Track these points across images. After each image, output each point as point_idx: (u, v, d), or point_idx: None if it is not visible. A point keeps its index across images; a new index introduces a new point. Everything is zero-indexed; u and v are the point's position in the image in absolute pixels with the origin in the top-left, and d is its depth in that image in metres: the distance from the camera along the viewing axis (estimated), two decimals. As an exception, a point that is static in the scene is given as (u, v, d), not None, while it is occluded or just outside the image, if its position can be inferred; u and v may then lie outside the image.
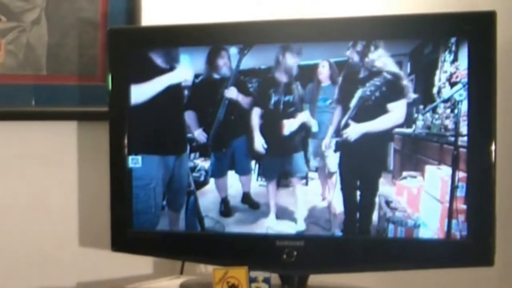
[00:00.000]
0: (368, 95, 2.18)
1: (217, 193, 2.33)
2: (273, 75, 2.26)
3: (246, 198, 2.31)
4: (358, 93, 2.19)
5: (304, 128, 2.25)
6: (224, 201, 2.33)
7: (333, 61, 2.21)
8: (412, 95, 2.14)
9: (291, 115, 2.25)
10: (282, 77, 2.25)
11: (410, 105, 2.16)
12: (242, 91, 2.29)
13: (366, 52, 2.18)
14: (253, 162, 2.30)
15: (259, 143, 2.29)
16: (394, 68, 2.16)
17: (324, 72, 2.21)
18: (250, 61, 2.27)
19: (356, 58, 2.19)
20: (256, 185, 2.30)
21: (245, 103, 2.30)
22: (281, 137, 2.27)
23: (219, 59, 2.29)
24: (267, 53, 2.25)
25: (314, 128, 2.23)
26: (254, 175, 2.31)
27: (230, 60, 2.28)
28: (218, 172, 2.33)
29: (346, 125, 2.20)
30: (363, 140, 2.19)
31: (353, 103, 2.19)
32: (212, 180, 2.34)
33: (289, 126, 2.26)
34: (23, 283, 2.54)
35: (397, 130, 2.17)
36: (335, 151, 2.22)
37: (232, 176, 2.33)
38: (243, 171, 2.32)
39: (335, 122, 2.21)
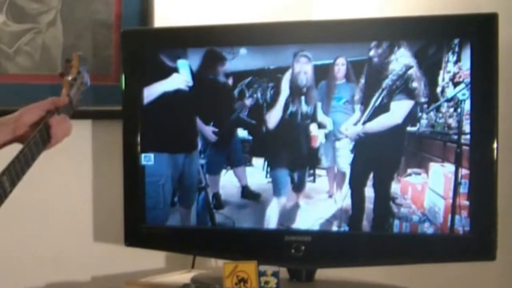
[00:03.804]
0: (380, 95, 2.21)
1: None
2: (289, 75, 2.29)
3: (246, 192, 2.35)
4: (374, 93, 2.22)
5: (317, 126, 2.28)
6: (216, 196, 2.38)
7: (345, 60, 2.24)
8: (422, 98, 2.18)
9: (306, 114, 2.29)
10: (297, 77, 2.29)
11: (414, 105, 2.19)
12: (253, 92, 2.34)
13: (373, 52, 2.22)
14: (261, 159, 2.35)
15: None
16: (405, 69, 2.20)
17: (339, 70, 2.24)
18: (261, 62, 2.31)
19: (363, 58, 2.23)
20: (265, 181, 2.34)
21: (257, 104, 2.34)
22: (292, 135, 2.31)
23: (227, 61, 2.33)
24: (279, 54, 2.29)
25: (329, 127, 2.27)
26: (263, 172, 2.34)
27: (239, 61, 2.32)
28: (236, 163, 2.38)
29: (360, 124, 2.24)
30: (376, 139, 2.23)
31: (370, 103, 2.23)
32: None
33: (302, 123, 2.30)
34: (39, 277, 2.56)
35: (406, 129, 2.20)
36: (350, 149, 2.25)
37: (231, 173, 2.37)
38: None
39: (351, 121, 2.25)
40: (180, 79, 2.37)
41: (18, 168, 1.80)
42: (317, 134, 2.28)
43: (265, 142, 2.34)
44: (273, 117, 2.31)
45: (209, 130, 2.37)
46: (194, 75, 2.36)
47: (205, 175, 2.38)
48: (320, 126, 2.28)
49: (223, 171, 2.37)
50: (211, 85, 2.36)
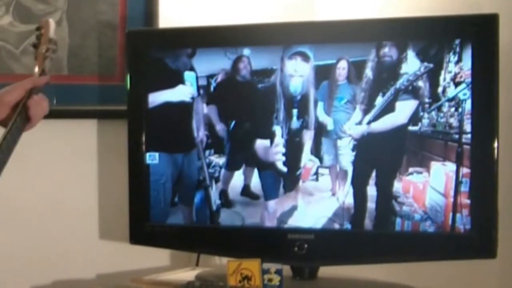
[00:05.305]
0: (386, 95, 2.23)
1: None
2: (289, 74, 2.31)
3: (246, 190, 2.37)
4: (377, 93, 2.24)
5: (319, 126, 2.30)
6: (224, 193, 2.40)
7: (347, 61, 2.26)
8: (426, 99, 2.20)
9: (307, 114, 2.31)
10: (298, 76, 2.30)
11: (418, 104, 2.20)
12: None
13: (375, 53, 2.23)
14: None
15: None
16: (408, 69, 2.22)
17: (341, 71, 2.26)
18: (264, 62, 2.32)
19: (365, 58, 2.24)
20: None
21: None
22: (294, 134, 2.33)
23: (239, 61, 2.34)
24: (282, 54, 2.30)
25: (330, 126, 2.28)
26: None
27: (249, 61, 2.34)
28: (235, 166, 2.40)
29: (365, 124, 2.26)
30: (379, 138, 2.25)
31: (373, 103, 2.24)
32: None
33: (304, 122, 2.32)
34: (45, 275, 2.58)
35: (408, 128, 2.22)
36: (351, 148, 2.27)
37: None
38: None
39: (353, 120, 2.27)
40: (185, 91, 2.39)
41: (1, 157, 1.80)
42: (310, 167, 2.30)
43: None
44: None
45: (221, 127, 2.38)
46: (200, 75, 2.37)
47: (212, 173, 2.39)
48: (325, 126, 2.28)
49: (242, 168, 2.38)
50: (221, 84, 2.37)
